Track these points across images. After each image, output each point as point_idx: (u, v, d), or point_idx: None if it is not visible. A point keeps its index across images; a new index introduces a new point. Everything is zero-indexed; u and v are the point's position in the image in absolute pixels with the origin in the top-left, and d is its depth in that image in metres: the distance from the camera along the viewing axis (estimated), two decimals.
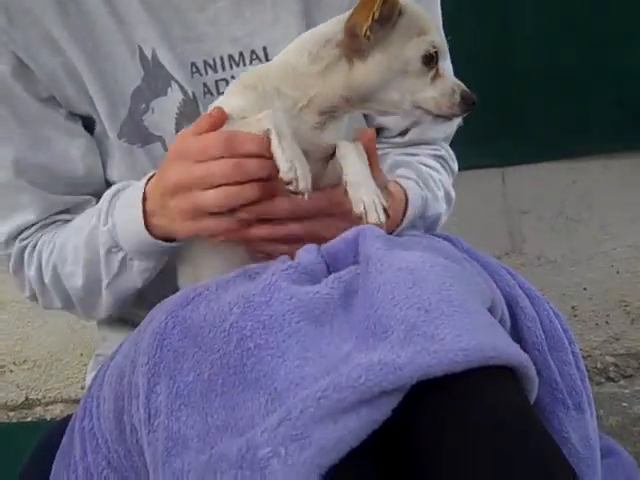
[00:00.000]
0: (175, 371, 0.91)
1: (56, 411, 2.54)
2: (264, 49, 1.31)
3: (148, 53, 1.28)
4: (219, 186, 1.05)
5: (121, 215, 1.19)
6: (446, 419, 0.84)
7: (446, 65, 1.11)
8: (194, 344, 0.92)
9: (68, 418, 1.53)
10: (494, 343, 0.86)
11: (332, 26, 1.10)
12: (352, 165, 1.07)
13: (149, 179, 1.17)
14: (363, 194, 1.05)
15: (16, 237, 1.32)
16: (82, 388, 2.53)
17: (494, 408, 0.84)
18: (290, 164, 1.01)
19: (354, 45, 1.07)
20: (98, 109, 1.28)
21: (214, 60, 1.31)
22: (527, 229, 2.45)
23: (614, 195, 2.42)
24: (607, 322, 2.52)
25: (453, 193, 1.43)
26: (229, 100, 1.13)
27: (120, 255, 1.21)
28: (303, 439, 0.79)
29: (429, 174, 1.36)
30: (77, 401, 2.51)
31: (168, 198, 1.10)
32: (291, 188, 1.01)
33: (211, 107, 1.14)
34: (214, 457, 0.83)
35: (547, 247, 2.47)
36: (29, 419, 2.51)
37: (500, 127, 2.13)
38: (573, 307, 2.49)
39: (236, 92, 1.14)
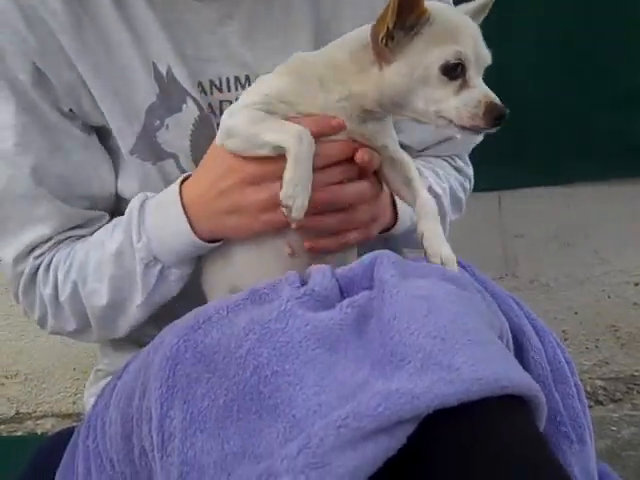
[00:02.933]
0: (189, 396, 0.91)
1: (47, 425, 2.51)
2: None
3: (162, 69, 1.27)
4: None
5: (157, 225, 1.19)
6: (460, 449, 0.84)
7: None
8: (207, 369, 0.92)
9: (61, 433, 1.54)
10: (508, 373, 0.86)
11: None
12: (428, 221, 1.11)
13: (181, 185, 1.19)
14: (442, 249, 1.09)
15: (28, 254, 1.29)
16: (74, 403, 2.53)
17: (509, 438, 0.85)
18: (293, 191, 1.03)
19: (380, 51, 1.08)
20: (110, 125, 1.27)
21: (220, 80, 1.31)
22: (521, 252, 2.48)
23: (607, 221, 2.45)
24: (597, 346, 2.54)
25: (462, 195, 1.46)
26: (273, 80, 1.14)
27: (158, 268, 1.20)
28: (323, 467, 0.79)
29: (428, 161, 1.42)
30: (68, 416, 2.52)
31: (244, 190, 1.13)
32: (284, 211, 1.03)
33: (255, 82, 1.18)
34: None
35: (540, 271, 2.50)
36: (19, 433, 2.48)
37: (498, 151, 2.14)
38: (564, 331, 2.51)
39: (281, 74, 1.14)
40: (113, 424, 1.04)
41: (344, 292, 1.03)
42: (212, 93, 1.31)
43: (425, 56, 1.05)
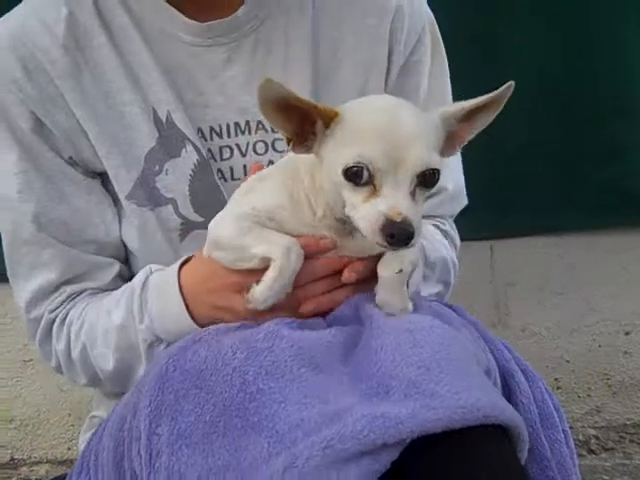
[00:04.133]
0: (176, 412, 0.94)
1: (41, 472, 2.49)
2: None
3: (162, 115, 1.29)
4: None
5: (159, 310, 1.21)
6: (443, 476, 0.87)
7: (402, 183, 0.95)
8: (195, 386, 0.96)
9: (60, 479, 1.53)
10: (490, 403, 0.89)
11: None
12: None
13: (180, 267, 1.21)
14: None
15: (42, 300, 1.31)
16: (69, 449, 2.51)
17: (489, 465, 0.87)
18: (265, 297, 1.04)
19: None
20: (107, 170, 1.29)
21: (220, 127, 1.32)
22: (512, 301, 2.49)
23: (598, 270, 2.47)
24: (589, 395, 2.55)
25: (456, 261, 1.43)
26: (265, 193, 1.11)
27: (162, 346, 1.21)
28: None
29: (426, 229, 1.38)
30: (63, 462, 2.50)
31: (230, 296, 1.13)
32: (250, 306, 1.05)
33: (245, 183, 1.16)
34: None
35: (531, 319, 2.51)
36: (14, 479, 2.47)
37: (491, 200, 2.16)
38: (556, 379, 2.52)
39: (275, 184, 1.11)
40: (105, 451, 1.06)
41: (331, 325, 1.07)
42: (212, 139, 1.33)
43: (333, 159, 0.99)
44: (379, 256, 1.08)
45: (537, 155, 2.28)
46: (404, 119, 0.98)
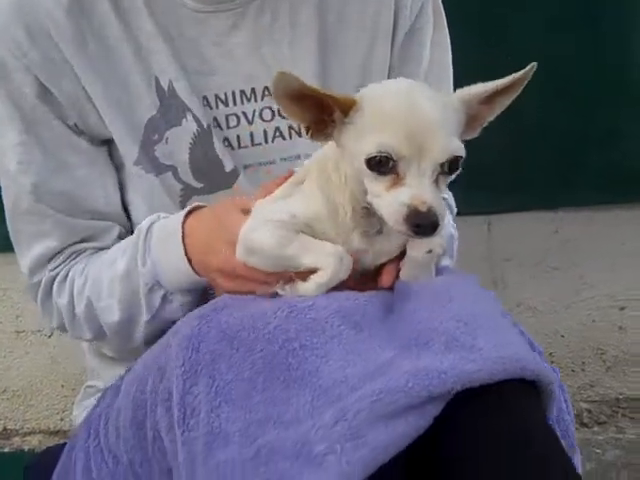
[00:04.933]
0: (214, 371, 0.94)
1: (34, 442, 2.50)
2: None
3: (164, 84, 1.28)
4: None
5: (160, 255, 1.20)
6: (478, 432, 0.89)
7: (424, 173, 0.94)
8: (231, 346, 0.96)
9: (49, 451, 1.54)
10: (527, 357, 0.92)
11: None
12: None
13: (186, 216, 1.19)
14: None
15: (43, 265, 1.31)
16: (61, 420, 2.52)
17: (525, 422, 0.90)
18: (307, 295, 1.03)
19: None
20: (114, 136, 1.28)
21: (225, 95, 1.32)
22: (509, 276, 2.48)
23: (594, 246, 2.47)
24: (583, 369, 2.56)
25: (454, 232, 1.44)
26: (306, 199, 1.08)
27: (161, 292, 1.22)
28: (358, 439, 0.84)
29: None
30: (56, 433, 2.50)
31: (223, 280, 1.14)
32: (282, 294, 1.05)
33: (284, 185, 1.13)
34: (262, 449, 0.87)
35: (527, 294, 2.51)
36: (6, 450, 2.47)
37: (489, 176, 2.15)
38: (550, 354, 2.52)
39: (312, 193, 1.08)
40: (122, 415, 1.07)
41: None
42: (217, 107, 1.32)
43: (355, 147, 0.98)
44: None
45: (536, 133, 2.27)
46: (424, 104, 0.96)
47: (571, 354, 2.55)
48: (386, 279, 1.08)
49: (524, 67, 1.01)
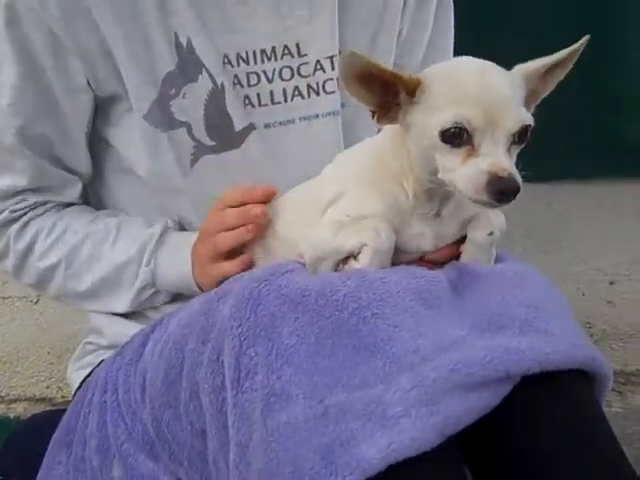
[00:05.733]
0: (274, 334, 0.94)
1: (19, 409, 2.49)
2: (297, 45, 1.34)
3: (183, 40, 1.28)
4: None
5: (166, 263, 1.31)
6: (541, 418, 0.91)
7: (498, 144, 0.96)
8: (294, 310, 0.96)
9: (36, 417, 1.54)
10: (594, 347, 0.96)
11: None
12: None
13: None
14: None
15: (6, 199, 1.34)
16: (47, 387, 2.51)
17: (587, 413, 0.93)
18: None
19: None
20: (128, 88, 1.28)
21: (247, 53, 1.32)
22: (499, 249, 2.46)
23: (587, 220, 2.46)
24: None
25: None
26: (357, 197, 1.09)
27: (151, 291, 1.33)
28: (432, 405, 0.85)
29: None
30: (42, 400, 2.50)
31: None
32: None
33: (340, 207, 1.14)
34: (331, 409, 0.87)
35: None
36: None
37: None
38: None
39: (363, 192, 1.09)
40: (150, 372, 1.09)
41: None
42: (239, 65, 1.32)
43: (426, 124, 0.99)
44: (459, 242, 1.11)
45: None
46: (495, 78, 0.98)
47: None
48: (439, 254, 1.10)
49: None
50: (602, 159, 2.33)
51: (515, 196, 0.94)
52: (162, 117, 1.29)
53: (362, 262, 1.03)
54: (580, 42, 1.02)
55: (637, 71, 2.25)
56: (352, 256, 1.06)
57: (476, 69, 1.00)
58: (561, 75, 1.06)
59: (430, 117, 0.98)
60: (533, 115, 2.30)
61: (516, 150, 1.00)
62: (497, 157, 0.95)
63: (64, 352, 2.41)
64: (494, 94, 0.96)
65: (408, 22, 1.43)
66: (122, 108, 1.32)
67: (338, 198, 1.11)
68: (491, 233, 1.08)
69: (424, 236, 1.09)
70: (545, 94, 1.07)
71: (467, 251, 1.09)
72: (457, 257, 1.11)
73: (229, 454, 0.93)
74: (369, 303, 0.94)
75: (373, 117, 1.03)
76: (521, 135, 0.98)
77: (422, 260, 1.10)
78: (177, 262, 1.29)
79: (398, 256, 1.07)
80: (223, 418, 0.95)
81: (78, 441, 1.17)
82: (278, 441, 0.87)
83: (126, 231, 1.35)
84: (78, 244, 1.34)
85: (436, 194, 1.06)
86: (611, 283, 2.53)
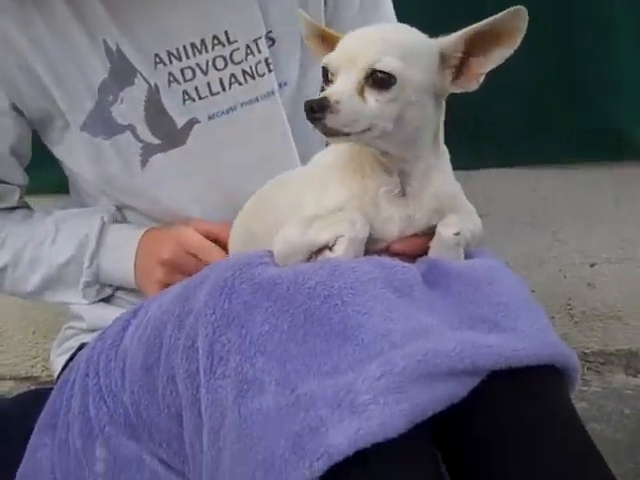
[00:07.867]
0: (247, 322, 0.95)
1: (4, 388, 2.48)
2: (225, 33, 1.34)
3: (112, 46, 1.29)
4: None
5: (109, 263, 1.38)
6: (506, 415, 0.93)
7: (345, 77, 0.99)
8: (266, 299, 0.96)
9: (21, 396, 1.54)
10: (562, 344, 0.97)
11: None
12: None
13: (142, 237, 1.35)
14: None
15: None
16: (32, 367, 2.52)
17: (556, 409, 0.94)
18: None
19: None
20: (59, 104, 1.29)
21: (177, 50, 1.33)
22: (484, 232, 2.47)
23: (569, 203, 2.48)
24: (552, 324, 2.56)
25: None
26: (333, 191, 1.09)
27: (96, 287, 1.40)
28: (400, 393, 0.86)
29: None
30: (27, 379, 2.51)
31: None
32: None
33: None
34: (302, 397, 0.87)
35: (500, 250, 2.47)
36: None
37: (462, 132, 2.13)
38: None
39: (336, 178, 1.10)
40: (130, 356, 1.10)
41: None
42: (171, 62, 1.33)
43: None
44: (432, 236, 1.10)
45: (514, 88, 2.21)
46: (374, 29, 1.03)
47: None
48: (406, 244, 1.09)
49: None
50: (580, 142, 2.34)
51: (313, 110, 0.95)
52: (103, 125, 1.31)
53: (337, 252, 1.03)
54: (509, 10, 1.00)
55: (619, 56, 2.26)
56: (327, 247, 1.05)
57: (372, 26, 1.04)
58: (504, 52, 1.03)
59: None
60: (520, 101, 2.31)
61: (375, 95, 0.97)
62: (335, 86, 0.98)
63: (49, 332, 2.41)
64: (361, 38, 1.01)
65: None
66: (59, 125, 1.34)
67: (307, 194, 1.12)
68: (458, 233, 1.08)
69: (392, 220, 1.07)
70: (485, 70, 1.05)
71: (434, 246, 1.09)
72: (426, 253, 1.10)
73: (203, 438, 0.95)
74: (340, 291, 0.94)
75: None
76: (378, 80, 0.97)
77: (390, 251, 1.09)
78: (120, 268, 1.37)
79: (367, 245, 1.07)
80: (197, 403, 0.97)
81: (62, 424, 1.18)
82: (251, 428, 0.88)
83: (63, 231, 1.40)
84: (20, 248, 1.40)
85: (389, 166, 1.07)
86: (592, 265, 2.55)
